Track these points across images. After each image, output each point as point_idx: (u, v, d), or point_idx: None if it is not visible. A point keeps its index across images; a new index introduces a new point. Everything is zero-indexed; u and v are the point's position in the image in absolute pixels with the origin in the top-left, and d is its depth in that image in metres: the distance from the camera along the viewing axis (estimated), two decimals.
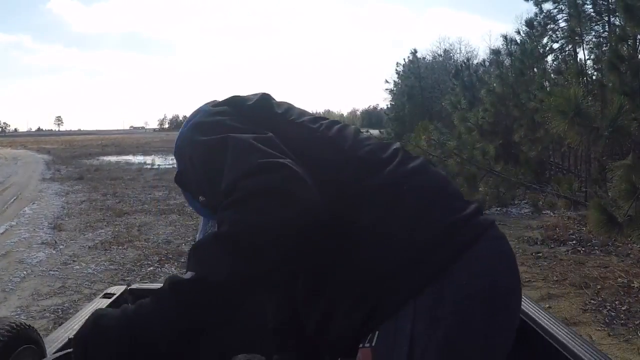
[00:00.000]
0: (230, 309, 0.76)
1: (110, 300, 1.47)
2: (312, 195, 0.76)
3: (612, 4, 7.45)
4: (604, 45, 8.12)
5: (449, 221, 0.83)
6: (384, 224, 0.83)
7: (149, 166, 16.62)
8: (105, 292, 1.55)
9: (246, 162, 0.78)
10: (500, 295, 0.83)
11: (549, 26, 10.00)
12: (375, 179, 0.86)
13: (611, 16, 7.69)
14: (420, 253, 0.80)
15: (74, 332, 0.78)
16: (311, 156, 0.86)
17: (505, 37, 10.20)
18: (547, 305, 3.47)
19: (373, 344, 0.80)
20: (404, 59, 22.90)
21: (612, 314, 3.33)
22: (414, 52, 21.62)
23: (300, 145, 0.87)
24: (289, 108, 1.01)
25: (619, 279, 3.94)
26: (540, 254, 4.80)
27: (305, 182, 0.77)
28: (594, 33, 9.30)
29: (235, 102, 0.98)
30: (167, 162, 18.09)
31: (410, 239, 0.81)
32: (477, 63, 15.69)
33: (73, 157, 21.56)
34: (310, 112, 1.06)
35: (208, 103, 1.03)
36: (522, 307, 1.36)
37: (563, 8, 9.65)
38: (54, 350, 1.02)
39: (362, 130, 1.03)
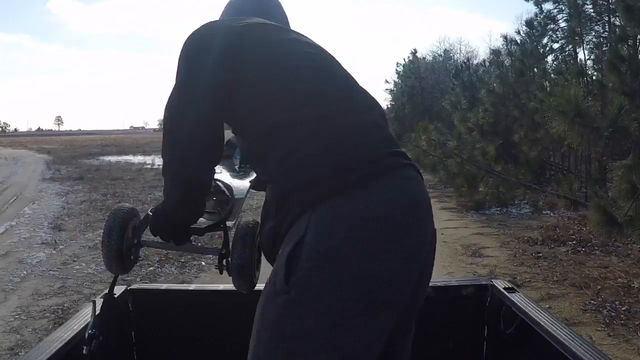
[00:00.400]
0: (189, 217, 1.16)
1: None
2: (194, 136, 1.01)
3: (612, 4, 7.45)
4: (604, 45, 8.14)
5: (356, 157, 0.94)
6: (298, 151, 0.95)
7: (149, 166, 16.61)
8: (105, 292, 1.55)
9: (170, 98, 1.04)
10: (395, 230, 0.90)
11: (549, 26, 10.01)
12: (307, 110, 0.99)
13: (611, 16, 7.69)
14: (321, 177, 0.91)
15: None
16: (263, 88, 1.02)
17: (505, 37, 10.24)
18: (547, 306, 3.47)
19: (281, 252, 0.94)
20: (404, 59, 22.94)
21: (612, 314, 3.33)
22: (414, 52, 21.64)
23: (260, 75, 1.03)
24: (272, 35, 1.11)
25: (619, 279, 3.94)
26: (541, 254, 4.80)
27: (190, 126, 1.01)
28: (594, 33, 9.33)
29: (228, 23, 1.13)
30: None
31: (316, 165, 0.93)
32: (477, 63, 15.68)
33: (73, 157, 21.55)
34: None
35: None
36: (513, 302, 1.36)
37: (563, 8, 9.66)
38: (51, 348, 1.16)
39: (335, 62, 1.14)
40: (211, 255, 1.34)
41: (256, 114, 1.02)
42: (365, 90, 1.12)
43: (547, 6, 9.70)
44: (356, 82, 1.13)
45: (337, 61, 1.15)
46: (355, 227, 0.88)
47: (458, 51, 27.29)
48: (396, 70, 23.80)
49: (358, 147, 0.96)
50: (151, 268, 4.49)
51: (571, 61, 8.38)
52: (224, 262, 1.25)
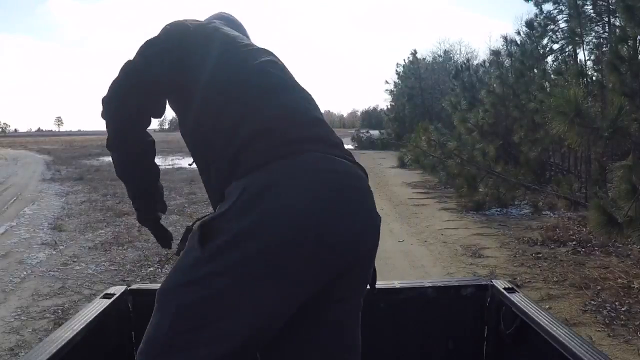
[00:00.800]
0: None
1: (110, 301, 1.47)
2: (129, 99, 1.16)
3: (612, 5, 7.46)
4: (604, 46, 8.14)
5: (289, 138, 1.02)
6: (217, 134, 1.06)
7: None
8: (105, 292, 1.55)
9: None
10: (316, 217, 0.93)
11: (549, 27, 10.03)
12: (241, 100, 1.07)
13: (611, 17, 7.70)
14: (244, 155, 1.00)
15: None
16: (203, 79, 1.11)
17: (505, 38, 10.22)
18: (547, 306, 3.47)
19: None
20: (404, 60, 23.01)
21: (612, 314, 3.33)
22: (414, 53, 21.72)
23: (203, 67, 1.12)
24: (222, 40, 1.19)
25: (619, 280, 3.94)
26: (540, 255, 4.80)
27: (129, 90, 1.15)
28: (594, 34, 9.33)
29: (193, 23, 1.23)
30: (167, 162, 18.10)
31: (237, 151, 1.01)
32: (477, 64, 15.69)
33: (73, 158, 21.53)
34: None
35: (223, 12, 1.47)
36: (512, 302, 1.36)
37: (563, 9, 9.69)
38: (52, 348, 1.15)
39: (281, 66, 1.23)
40: None
41: (197, 117, 1.11)
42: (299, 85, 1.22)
43: (547, 7, 9.73)
44: (289, 72, 1.23)
45: (271, 55, 1.25)
46: (280, 208, 0.92)
47: (458, 52, 27.35)
48: (396, 71, 23.88)
49: (285, 134, 1.02)
50: (151, 268, 4.49)
51: (571, 62, 8.39)
52: None
